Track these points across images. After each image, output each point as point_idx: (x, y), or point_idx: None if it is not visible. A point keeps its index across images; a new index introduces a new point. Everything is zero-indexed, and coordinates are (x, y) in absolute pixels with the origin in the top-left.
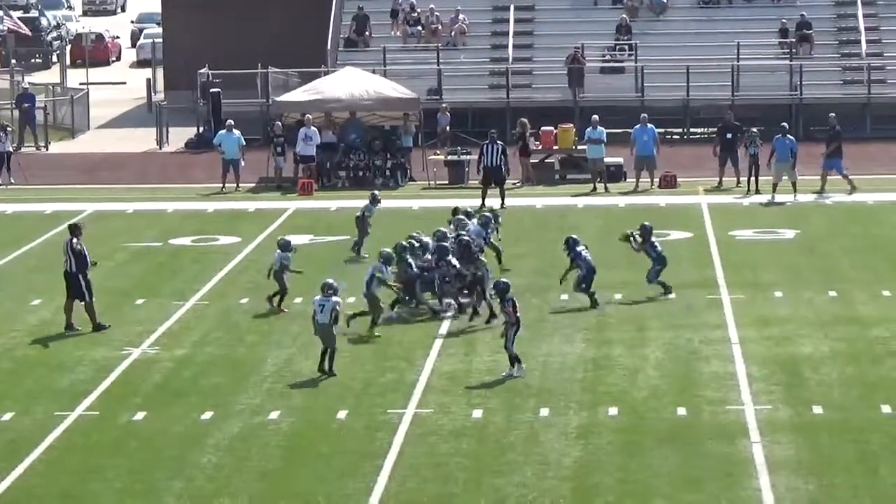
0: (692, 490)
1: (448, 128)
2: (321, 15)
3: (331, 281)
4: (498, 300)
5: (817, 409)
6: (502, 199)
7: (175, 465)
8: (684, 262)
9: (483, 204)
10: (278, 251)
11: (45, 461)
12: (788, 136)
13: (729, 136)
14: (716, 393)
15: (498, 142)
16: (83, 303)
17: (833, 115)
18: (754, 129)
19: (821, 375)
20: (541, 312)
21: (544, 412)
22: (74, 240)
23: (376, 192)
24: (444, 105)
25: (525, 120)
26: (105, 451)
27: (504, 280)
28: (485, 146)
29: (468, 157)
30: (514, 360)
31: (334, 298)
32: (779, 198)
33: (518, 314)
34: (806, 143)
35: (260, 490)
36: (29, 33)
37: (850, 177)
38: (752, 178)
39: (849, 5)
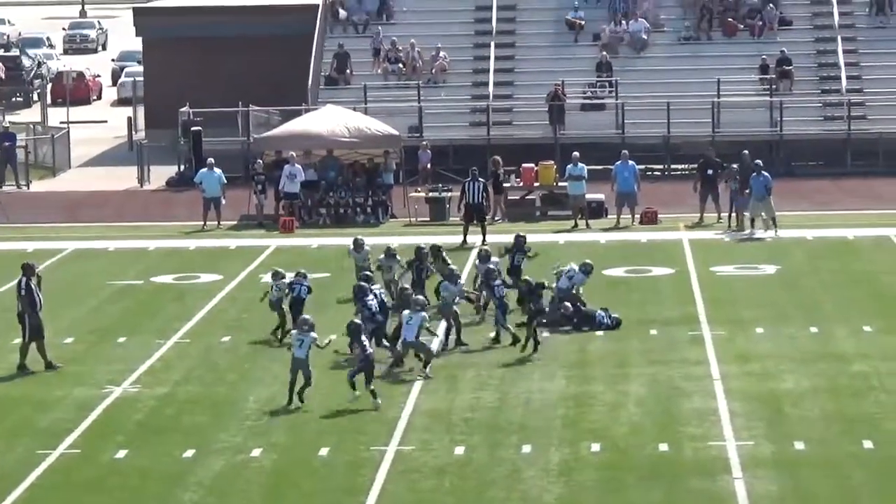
0: None
1: (429, 165)
2: (302, 52)
3: (307, 317)
4: (349, 339)
5: (799, 445)
6: (483, 236)
7: (157, 503)
8: (666, 298)
9: (465, 241)
10: (272, 282)
11: (26, 500)
12: (763, 172)
13: (710, 172)
14: (697, 429)
15: (479, 179)
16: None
17: (746, 152)
18: (734, 166)
19: (802, 411)
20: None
21: (526, 448)
22: (24, 280)
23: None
24: (424, 142)
25: (498, 158)
26: (87, 490)
27: (356, 321)
28: (466, 183)
29: (449, 193)
30: (353, 385)
31: (312, 334)
32: (757, 233)
33: (367, 352)
34: (787, 178)
35: None
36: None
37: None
38: (734, 214)
39: (829, 41)
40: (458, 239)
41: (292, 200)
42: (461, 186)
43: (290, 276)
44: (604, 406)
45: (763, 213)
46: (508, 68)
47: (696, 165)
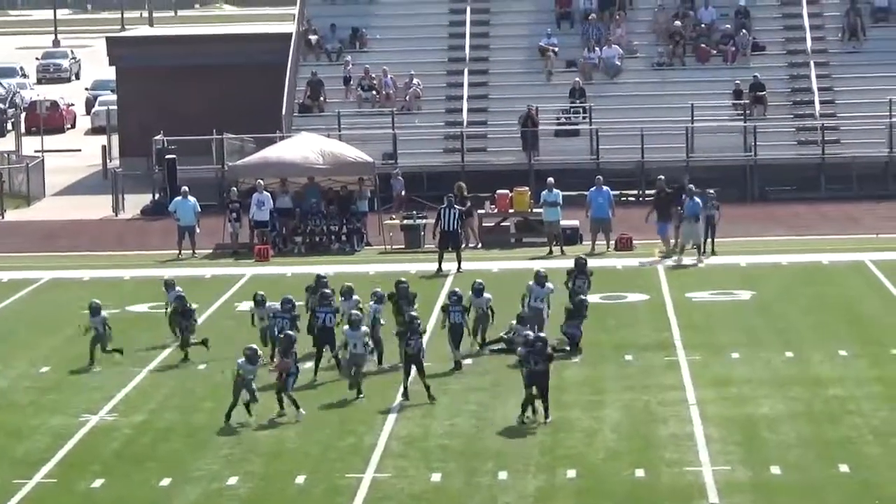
0: None
1: (403, 192)
2: (275, 81)
3: (254, 346)
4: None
5: (775, 470)
6: (459, 263)
7: None
8: (641, 323)
9: (440, 268)
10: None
11: None
12: (696, 197)
13: (684, 197)
14: (674, 454)
15: (455, 206)
16: None
17: (662, 177)
18: (711, 191)
19: (778, 436)
20: (497, 375)
21: (503, 475)
22: None
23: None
24: (395, 171)
25: (462, 183)
26: None
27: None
28: (442, 210)
29: (424, 221)
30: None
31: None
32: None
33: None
34: (761, 203)
35: None
36: None
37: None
38: (709, 240)
39: (802, 66)
40: (433, 267)
41: (262, 228)
42: (437, 213)
43: (272, 304)
44: (580, 432)
45: (691, 240)
46: (482, 94)
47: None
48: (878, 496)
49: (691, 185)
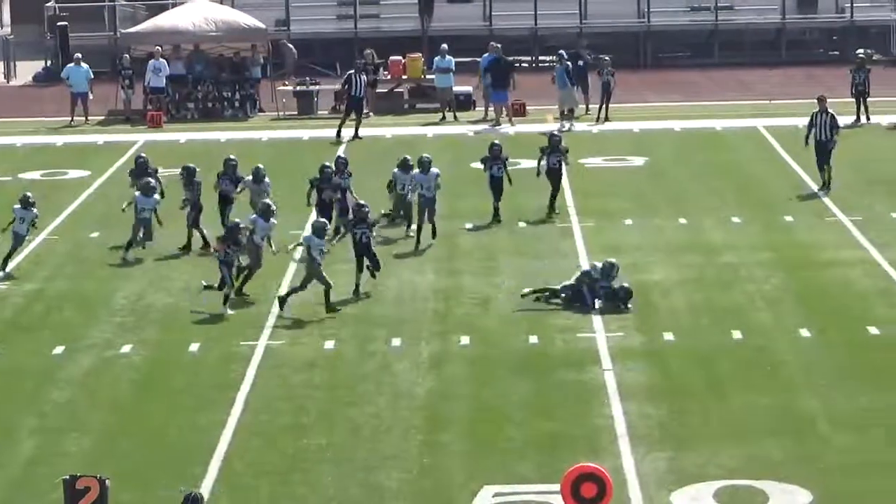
0: (545, 418)
1: (296, 57)
2: None
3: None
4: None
5: (668, 336)
6: (356, 130)
7: (28, 401)
8: (534, 190)
9: (339, 134)
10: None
11: None
12: (566, 62)
13: (580, 63)
14: (567, 321)
15: (363, 72)
16: None
17: (498, 45)
18: (606, 57)
19: (671, 302)
20: (392, 246)
21: (396, 342)
22: None
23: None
24: (282, 41)
25: (371, 50)
26: None
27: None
28: (352, 75)
29: (317, 87)
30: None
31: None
32: (626, 125)
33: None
34: (655, 69)
35: (113, 424)
36: None
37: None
38: (604, 106)
39: None
40: (327, 133)
41: (158, 95)
42: (346, 78)
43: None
44: (474, 299)
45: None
46: None
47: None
48: (769, 362)
49: (561, 52)
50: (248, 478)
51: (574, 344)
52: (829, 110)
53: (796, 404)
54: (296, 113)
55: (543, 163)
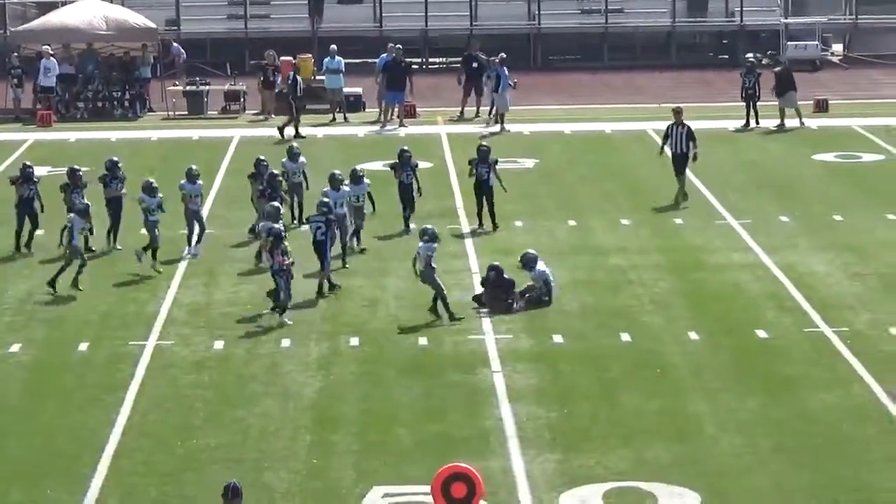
0: (435, 420)
1: (183, 58)
2: None
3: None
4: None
5: (557, 339)
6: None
7: None
8: (425, 192)
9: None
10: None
11: None
12: (503, 66)
13: (475, 65)
14: (456, 323)
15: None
16: None
17: (397, 46)
18: (495, 59)
19: (561, 304)
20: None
21: (285, 343)
22: None
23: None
24: (169, 39)
25: (272, 51)
26: None
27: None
28: (294, 76)
29: (207, 87)
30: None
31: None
32: (517, 127)
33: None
34: (545, 72)
35: (1, 424)
36: None
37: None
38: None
39: None
40: (217, 133)
41: (48, 94)
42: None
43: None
44: (363, 300)
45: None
46: None
47: (459, 59)
48: (658, 364)
49: (503, 54)
50: (138, 477)
51: (464, 346)
52: (686, 123)
53: (685, 407)
54: (186, 113)
55: (473, 172)
